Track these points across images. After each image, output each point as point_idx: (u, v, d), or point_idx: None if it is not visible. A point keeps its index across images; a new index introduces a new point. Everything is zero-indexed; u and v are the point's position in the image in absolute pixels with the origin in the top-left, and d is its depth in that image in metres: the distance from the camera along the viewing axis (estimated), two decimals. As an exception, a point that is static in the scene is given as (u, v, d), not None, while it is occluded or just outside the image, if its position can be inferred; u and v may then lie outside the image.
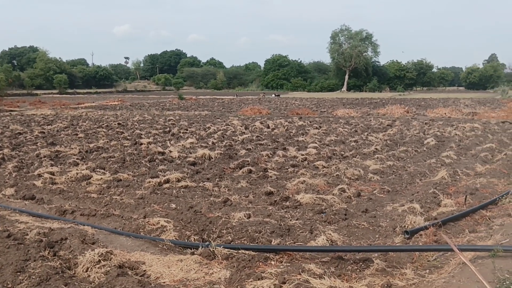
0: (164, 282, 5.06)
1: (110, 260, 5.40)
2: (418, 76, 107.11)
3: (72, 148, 15.17)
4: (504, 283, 3.92)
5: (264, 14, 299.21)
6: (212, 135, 18.92)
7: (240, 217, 7.26)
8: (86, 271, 5.18)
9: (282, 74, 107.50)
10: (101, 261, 5.32)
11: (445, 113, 30.11)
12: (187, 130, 21.10)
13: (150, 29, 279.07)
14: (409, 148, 15.09)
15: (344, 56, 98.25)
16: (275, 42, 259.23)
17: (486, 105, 40.63)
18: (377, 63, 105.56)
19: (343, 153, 14.33)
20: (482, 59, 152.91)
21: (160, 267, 5.41)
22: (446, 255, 5.56)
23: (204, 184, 9.98)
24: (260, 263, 5.46)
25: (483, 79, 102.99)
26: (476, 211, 7.65)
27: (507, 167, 11.61)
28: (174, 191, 9.45)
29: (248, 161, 12.44)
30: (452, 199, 8.43)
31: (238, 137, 18.13)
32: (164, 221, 7.03)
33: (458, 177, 10.63)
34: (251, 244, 6.13)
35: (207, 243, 5.99)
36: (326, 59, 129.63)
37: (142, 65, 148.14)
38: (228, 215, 7.42)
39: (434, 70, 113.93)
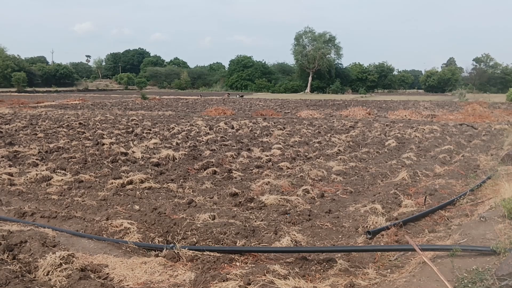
0: (127, 285, 4.99)
1: (72, 263, 5.29)
2: (380, 79, 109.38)
3: (31, 148, 14.77)
4: (463, 282, 4.05)
5: (228, 14, 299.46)
6: (176, 136, 18.78)
7: (205, 218, 7.25)
8: (47, 275, 5.07)
9: (246, 75, 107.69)
10: (63, 264, 5.21)
11: (406, 115, 30.83)
12: (150, 130, 20.87)
13: (112, 27, 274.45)
14: (371, 150, 15.38)
15: (307, 58, 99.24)
16: (239, 42, 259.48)
17: (444, 107, 41.81)
18: (340, 65, 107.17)
19: (307, 154, 14.48)
20: (441, 62, 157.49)
21: (124, 270, 5.33)
22: (406, 255, 5.70)
23: (168, 185, 9.90)
24: (225, 265, 5.47)
25: (441, 82, 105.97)
26: (435, 211, 7.87)
27: (464, 168, 11.98)
28: (138, 192, 9.33)
29: (212, 162, 12.42)
30: (412, 200, 8.65)
31: (202, 138, 18.07)
32: (128, 223, 6.94)
33: (418, 178, 10.90)
34: (216, 245, 6.13)
35: (172, 245, 5.95)
36: (290, 60, 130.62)
37: (104, 63, 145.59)
38: (192, 216, 7.40)
39: (395, 73, 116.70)
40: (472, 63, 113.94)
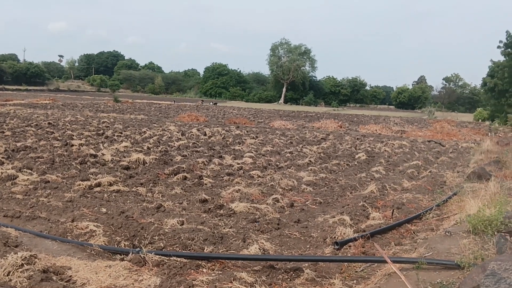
0: (91, 289, 4.88)
1: (34, 264, 5.16)
2: (352, 93, 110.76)
3: (-3, 146, 14.39)
4: (426, 294, 4.11)
5: (205, 21, 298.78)
6: (148, 140, 18.59)
7: (173, 223, 7.17)
8: (7, 275, 4.92)
9: (221, 82, 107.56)
10: (24, 265, 5.08)
11: (376, 130, 31.30)
12: (121, 133, 20.60)
13: (88, 28, 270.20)
14: (341, 162, 15.52)
15: (282, 69, 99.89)
16: (215, 50, 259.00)
17: (414, 124, 42.63)
18: (314, 77, 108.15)
19: (278, 163, 14.52)
20: (412, 80, 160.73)
21: (87, 273, 5.22)
22: (373, 267, 5.75)
23: (137, 189, 9.77)
24: (192, 271, 5.41)
25: (412, 99, 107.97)
26: (402, 224, 7.98)
27: (431, 183, 12.21)
28: (106, 195, 9.18)
29: (183, 167, 12.31)
30: (380, 212, 8.76)
31: (174, 143, 17.93)
32: (94, 225, 6.82)
33: (386, 191, 11.05)
34: (183, 251, 6.06)
35: (138, 249, 5.86)
36: (265, 70, 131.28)
37: (77, 64, 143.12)
38: (161, 221, 7.31)
39: (367, 88, 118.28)
40: (442, 82, 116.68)
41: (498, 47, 39.30)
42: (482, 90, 68.01)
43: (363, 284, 5.20)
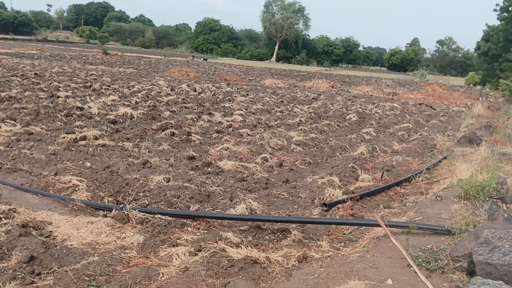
0: (71, 245, 4.72)
1: (12, 218, 5.00)
2: (345, 53, 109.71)
3: (-21, 96, 14.00)
4: (417, 261, 4.00)
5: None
6: (136, 94, 18.21)
7: (159, 180, 7.00)
8: (-16, 229, 4.74)
9: (212, 38, 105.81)
10: (3, 218, 4.93)
11: (368, 91, 31.06)
12: (109, 86, 20.15)
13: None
14: (331, 122, 15.36)
15: (276, 26, 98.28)
16: (207, 5, 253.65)
17: (405, 86, 42.39)
18: (307, 36, 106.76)
19: (268, 122, 14.32)
20: (405, 42, 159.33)
21: (68, 229, 5.05)
22: (360, 229, 5.66)
23: (124, 144, 9.54)
24: (177, 229, 5.27)
25: (404, 61, 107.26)
26: (391, 187, 7.89)
27: (421, 147, 12.12)
28: (91, 149, 8.94)
29: (171, 123, 12.06)
30: (369, 175, 8.66)
31: (163, 98, 17.58)
32: (77, 180, 6.62)
33: (376, 153, 10.94)
34: (168, 209, 5.91)
35: (122, 205, 5.69)
36: (258, 28, 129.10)
37: (65, 14, 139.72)
38: (146, 177, 7.13)
39: (360, 49, 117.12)
40: (435, 45, 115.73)
41: (495, 10, 38.73)
42: (475, 54, 67.68)
43: (351, 247, 5.11)
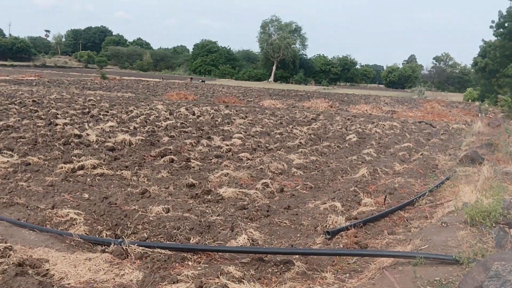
0: (68, 284, 4.59)
1: (8, 257, 4.87)
2: (342, 72, 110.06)
3: (-23, 125, 13.93)
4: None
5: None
6: (134, 119, 18.17)
7: (158, 211, 6.88)
8: (-21, 269, 4.61)
9: (210, 60, 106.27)
10: (-2, 258, 4.77)
11: (367, 110, 31.05)
12: (107, 112, 20.11)
13: (75, 2, 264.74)
14: (332, 144, 15.27)
15: (273, 46, 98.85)
16: (205, 26, 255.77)
17: (404, 104, 42.42)
18: (304, 56, 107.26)
19: (268, 145, 14.23)
20: (402, 59, 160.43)
21: (66, 266, 4.92)
22: (365, 258, 5.53)
23: (122, 173, 9.43)
24: (177, 264, 5.13)
25: (402, 78, 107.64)
26: (394, 211, 7.77)
27: (423, 167, 12.01)
28: (89, 179, 8.83)
29: (170, 149, 11.97)
30: (372, 198, 8.54)
31: (161, 123, 17.53)
32: (74, 213, 6.49)
33: (377, 175, 10.83)
34: (168, 242, 5.78)
35: (120, 240, 5.55)
36: (255, 48, 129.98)
37: (64, 39, 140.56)
38: (145, 208, 7.01)
39: (358, 67, 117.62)
40: (432, 61, 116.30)
41: (491, 27, 39.00)
42: (472, 70, 67.92)
43: (356, 278, 4.97)
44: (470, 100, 54.81)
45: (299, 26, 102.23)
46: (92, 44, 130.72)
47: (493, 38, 41.71)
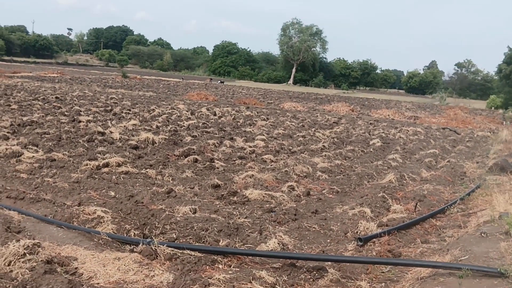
0: (98, 284, 4.49)
1: (37, 254, 4.77)
2: (362, 76, 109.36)
3: (3, 120, 14.03)
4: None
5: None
6: (157, 118, 18.14)
7: (185, 211, 6.76)
8: (8, 265, 4.53)
9: (230, 61, 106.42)
10: (27, 254, 4.69)
11: (389, 115, 30.66)
12: (130, 110, 20.14)
13: (97, 2, 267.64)
14: (355, 148, 15.03)
15: (293, 49, 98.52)
16: (225, 28, 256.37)
17: (426, 109, 41.88)
18: (324, 59, 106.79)
19: (291, 148, 14.06)
20: (423, 65, 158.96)
21: (95, 265, 4.82)
22: (400, 267, 5.33)
23: (147, 171, 9.35)
24: (207, 267, 5.00)
25: (422, 84, 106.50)
26: (426, 219, 7.54)
27: (451, 174, 11.72)
28: (114, 176, 8.77)
29: (194, 149, 11.86)
30: (401, 205, 8.31)
31: (183, 123, 17.47)
32: (101, 210, 6.40)
33: (405, 181, 10.58)
34: (197, 243, 5.65)
35: (149, 239, 5.43)
36: (275, 50, 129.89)
37: (85, 38, 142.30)
38: (172, 208, 6.90)
39: (378, 71, 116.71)
40: (453, 67, 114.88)
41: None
42: (496, 77, 66.87)
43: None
44: (493, 108, 53.90)
45: (320, 29, 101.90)
46: (113, 43, 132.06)
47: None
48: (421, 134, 20.89)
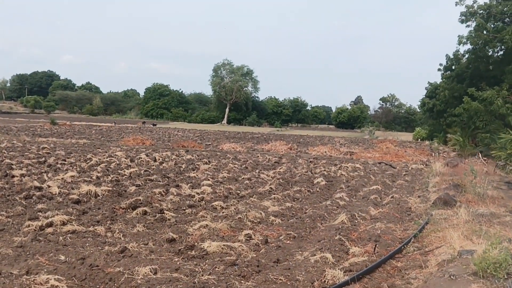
0: None
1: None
2: (294, 113, 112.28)
3: None
4: None
5: (144, 41, 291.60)
6: (95, 168, 17.43)
7: (145, 272, 6.38)
8: None
9: (162, 103, 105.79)
10: None
11: (326, 151, 31.36)
12: (65, 161, 19.23)
13: (20, 46, 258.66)
14: (302, 188, 15.11)
15: (225, 89, 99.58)
16: (155, 70, 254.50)
17: (358, 144, 43.28)
18: (256, 98, 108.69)
19: (239, 192, 13.91)
20: (349, 100, 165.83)
21: None
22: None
23: (95, 229, 8.82)
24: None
25: (351, 119, 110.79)
26: (386, 261, 7.59)
27: (398, 211, 12.00)
28: (61, 237, 8.19)
29: (140, 199, 11.41)
30: (359, 247, 8.34)
31: (124, 171, 16.88)
32: (54, 279, 5.90)
33: (356, 221, 10.68)
34: (165, 309, 5.31)
35: (113, 310, 5.04)
36: (208, 91, 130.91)
37: (8, 84, 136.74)
38: (130, 270, 6.49)
39: (308, 108, 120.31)
40: (378, 102, 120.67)
41: (439, 69, 40.95)
42: (419, 110, 70.73)
43: None
44: (419, 139, 56.73)
45: (251, 69, 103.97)
46: (38, 89, 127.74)
47: (439, 80, 43.76)
48: (360, 170, 21.42)
